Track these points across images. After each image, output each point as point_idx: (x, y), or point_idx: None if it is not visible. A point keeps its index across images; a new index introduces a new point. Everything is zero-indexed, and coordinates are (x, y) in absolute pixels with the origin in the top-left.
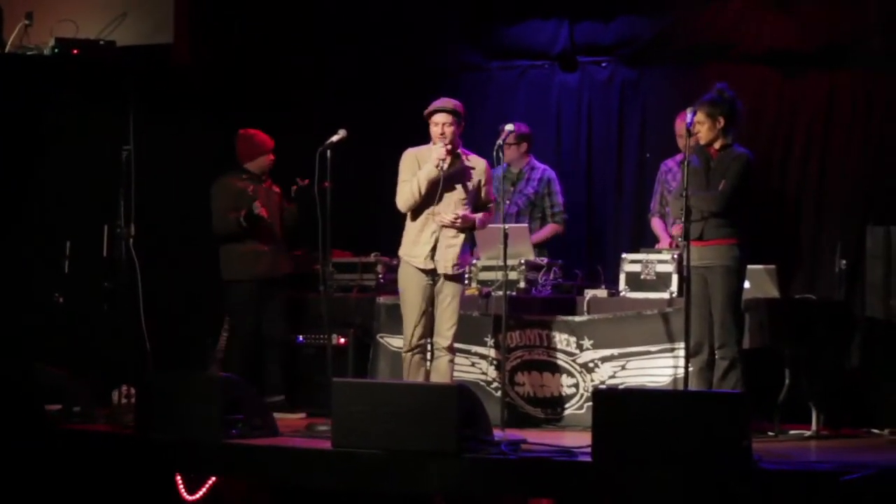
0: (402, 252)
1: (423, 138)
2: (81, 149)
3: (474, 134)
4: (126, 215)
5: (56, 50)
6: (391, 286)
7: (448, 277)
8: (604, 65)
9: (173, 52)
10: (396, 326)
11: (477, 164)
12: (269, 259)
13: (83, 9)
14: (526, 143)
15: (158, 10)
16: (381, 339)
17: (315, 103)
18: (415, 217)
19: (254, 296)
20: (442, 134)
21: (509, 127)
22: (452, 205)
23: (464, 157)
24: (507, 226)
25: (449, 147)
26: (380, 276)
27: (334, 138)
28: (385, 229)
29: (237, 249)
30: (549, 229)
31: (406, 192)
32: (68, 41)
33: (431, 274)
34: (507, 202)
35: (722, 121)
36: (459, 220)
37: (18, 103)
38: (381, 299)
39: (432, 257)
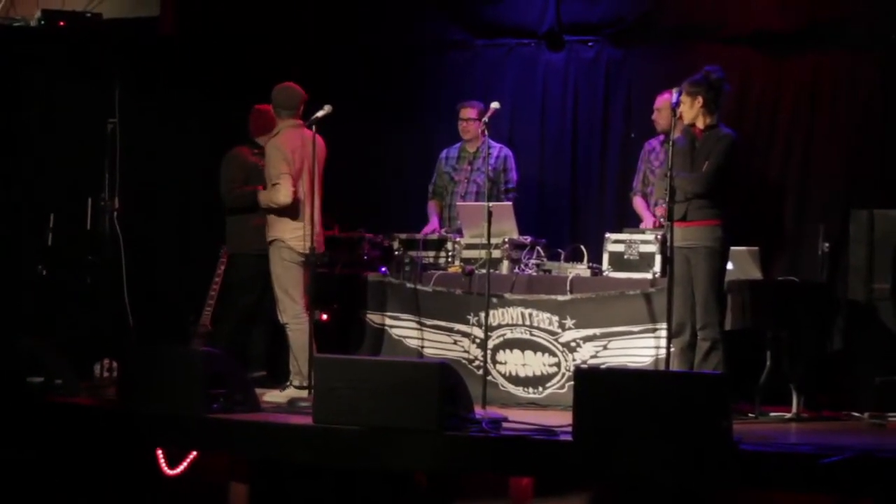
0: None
1: (412, 115)
2: (67, 121)
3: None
4: (110, 188)
5: (42, 22)
6: (375, 263)
7: None
8: (590, 44)
9: (159, 24)
10: (381, 303)
11: None
12: None
13: None
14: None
15: None
16: (366, 316)
17: (301, 79)
18: None
19: (260, 270)
20: None
21: (495, 105)
22: None
23: None
24: (491, 204)
25: None
26: (364, 253)
27: (319, 114)
28: (371, 206)
29: (246, 223)
30: None
31: None
32: (54, 13)
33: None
34: (466, 181)
35: (701, 100)
36: None
37: (3, 75)
38: (370, 276)
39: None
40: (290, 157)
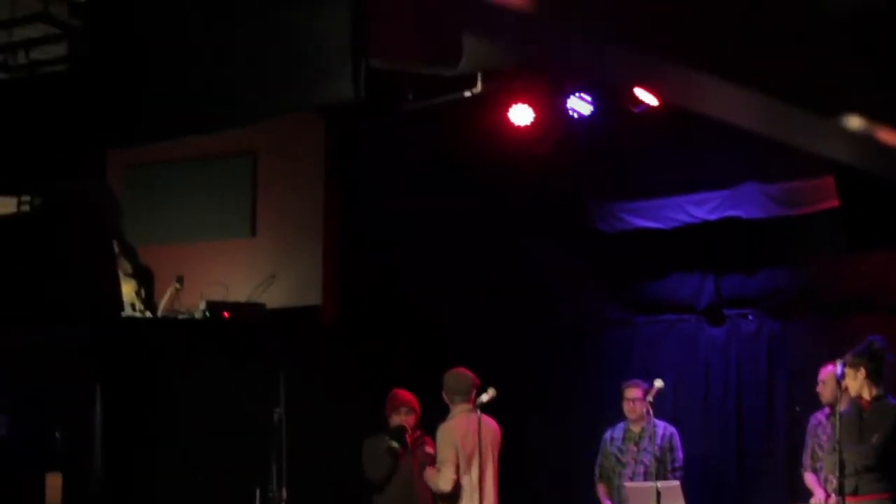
0: None
1: (573, 395)
2: (232, 411)
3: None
4: (278, 479)
5: (207, 313)
6: None
7: None
8: (750, 317)
9: (322, 313)
10: None
11: None
12: None
13: (233, 272)
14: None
15: (307, 272)
16: None
17: (461, 361)
18: None
19: None
20: None
21: (659, 383)
22: None
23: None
24: (659, 484)
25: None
26: None
27: (484, 398)
28: (538, 489)
29: None
30: None
31: None
32: (218, 304)
33: None
34: (633, 462)
35: (863, 371)
36: None
37: (169, 366)
38: None
39: None
40: (458, 444)
